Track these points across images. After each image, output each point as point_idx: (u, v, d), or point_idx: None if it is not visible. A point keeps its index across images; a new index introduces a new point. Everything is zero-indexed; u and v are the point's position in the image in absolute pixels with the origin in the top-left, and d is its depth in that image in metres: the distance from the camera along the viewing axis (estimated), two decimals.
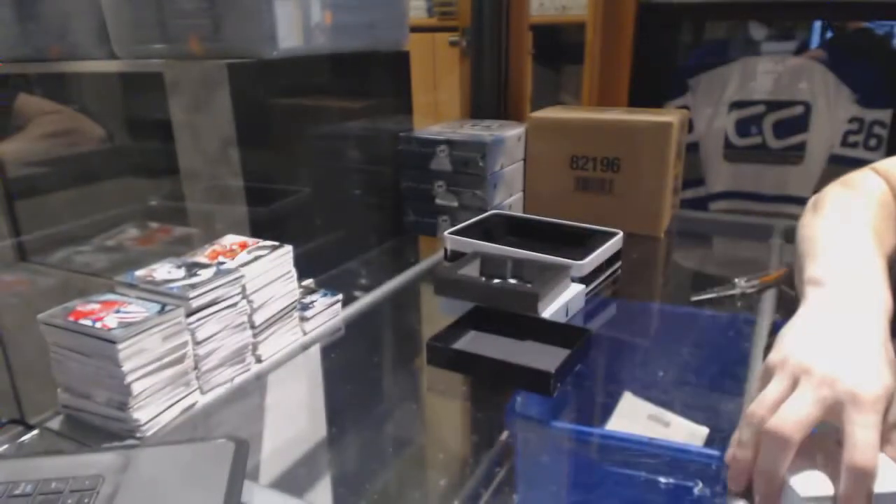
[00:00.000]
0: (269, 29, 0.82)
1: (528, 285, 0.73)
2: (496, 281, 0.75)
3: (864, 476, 0.39)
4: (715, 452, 0.52)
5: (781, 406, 0.43)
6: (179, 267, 0.62)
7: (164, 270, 0.61)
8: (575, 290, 0.78)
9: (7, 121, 1.05)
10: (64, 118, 1.04)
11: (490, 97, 1.29)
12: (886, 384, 0.42)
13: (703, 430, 0.62)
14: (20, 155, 1.07)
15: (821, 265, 0.54)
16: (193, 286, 0.58)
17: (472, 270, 0.78)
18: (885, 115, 1.82)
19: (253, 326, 0.64)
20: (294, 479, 0.54)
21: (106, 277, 1.00)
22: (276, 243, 0.68)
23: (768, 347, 0.51)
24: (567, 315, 0.76)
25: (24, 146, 1.05)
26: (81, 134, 1.03)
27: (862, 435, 0.39)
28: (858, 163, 0.75)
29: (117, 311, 0.55)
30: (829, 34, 2.02)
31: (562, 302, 0.74)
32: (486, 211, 1.01)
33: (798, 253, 0.62)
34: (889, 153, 1.39)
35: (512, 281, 0.74)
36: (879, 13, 1.85)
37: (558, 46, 2.68)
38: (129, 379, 0.52)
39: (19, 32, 1.00)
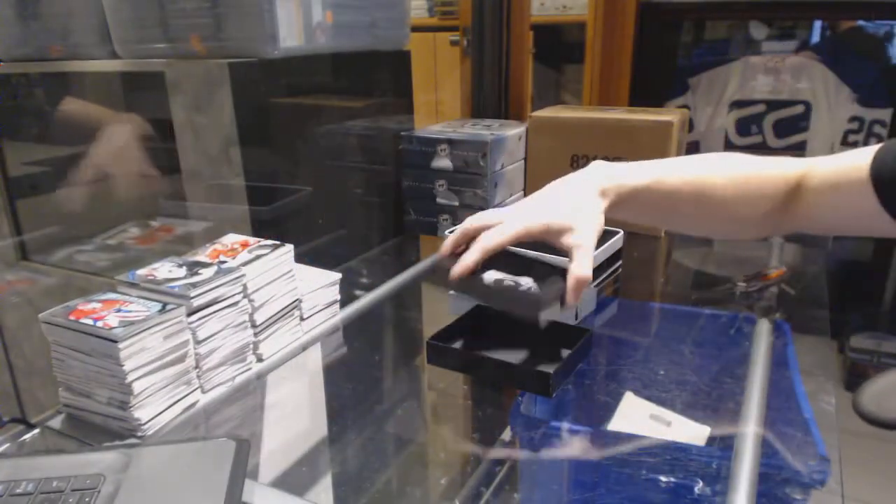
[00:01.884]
0: (271, 28, 0.82)
1: (530, 285, 0.72)
2: (496, 279, 0.74)
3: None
4: (716, 451, 0.52)
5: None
6: (180, 266, 0.62)
7: (165, 269, 0.61)
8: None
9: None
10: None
11: (491, 96, 1.29)
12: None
13: (705, 430, 0.62)
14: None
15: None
16: (194, 285, 0.58)
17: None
18: (885, 114, 1.81)
19: (254, 325, 0.64)
20: (295, 478, 0.54)
21: (107, 276, 1.00)
22: (277, 242, 0.68)
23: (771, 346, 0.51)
24: (577, 318, 0.75)
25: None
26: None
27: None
28: None
29: (118, 310, 0.55)
30: (828, 33, 2.02)
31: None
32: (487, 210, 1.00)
33: None
34: None
35: (512, 279, 0.74)
36: (880, 13, 1.85)
37: (559, 46, 2.68)
38: (130, 378, 0.52)
39: (21, 32, 1.00)
